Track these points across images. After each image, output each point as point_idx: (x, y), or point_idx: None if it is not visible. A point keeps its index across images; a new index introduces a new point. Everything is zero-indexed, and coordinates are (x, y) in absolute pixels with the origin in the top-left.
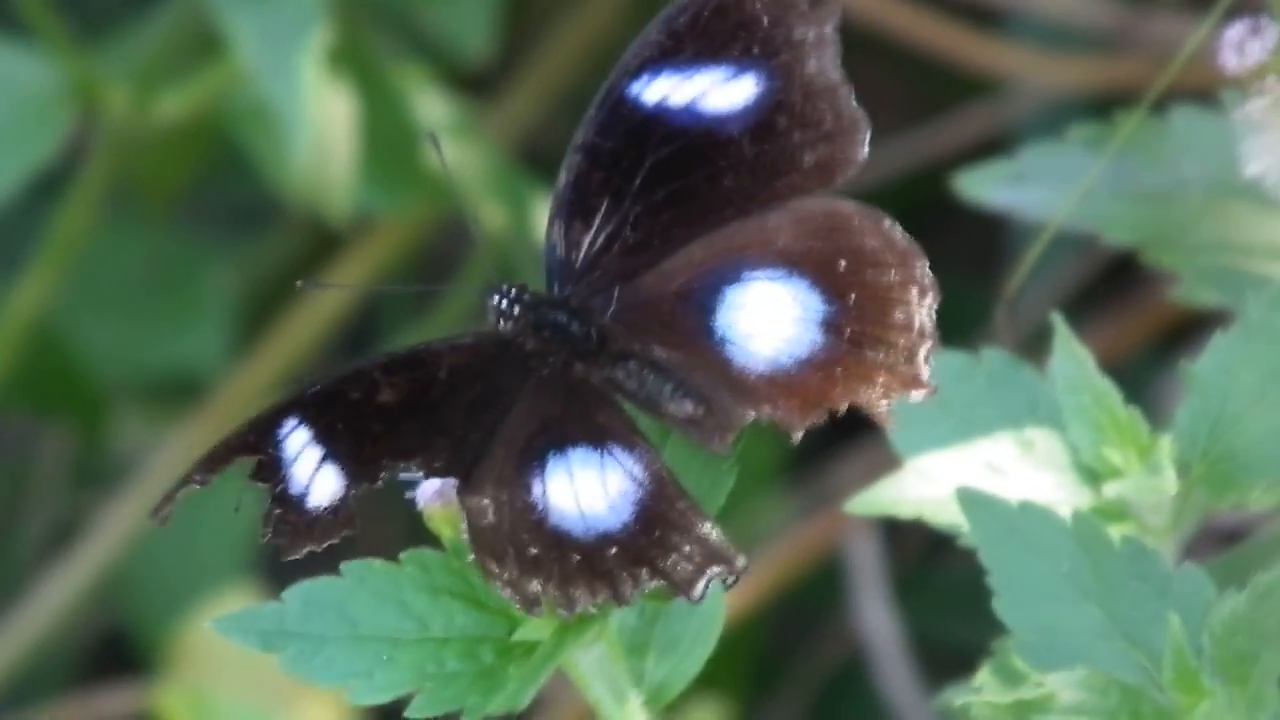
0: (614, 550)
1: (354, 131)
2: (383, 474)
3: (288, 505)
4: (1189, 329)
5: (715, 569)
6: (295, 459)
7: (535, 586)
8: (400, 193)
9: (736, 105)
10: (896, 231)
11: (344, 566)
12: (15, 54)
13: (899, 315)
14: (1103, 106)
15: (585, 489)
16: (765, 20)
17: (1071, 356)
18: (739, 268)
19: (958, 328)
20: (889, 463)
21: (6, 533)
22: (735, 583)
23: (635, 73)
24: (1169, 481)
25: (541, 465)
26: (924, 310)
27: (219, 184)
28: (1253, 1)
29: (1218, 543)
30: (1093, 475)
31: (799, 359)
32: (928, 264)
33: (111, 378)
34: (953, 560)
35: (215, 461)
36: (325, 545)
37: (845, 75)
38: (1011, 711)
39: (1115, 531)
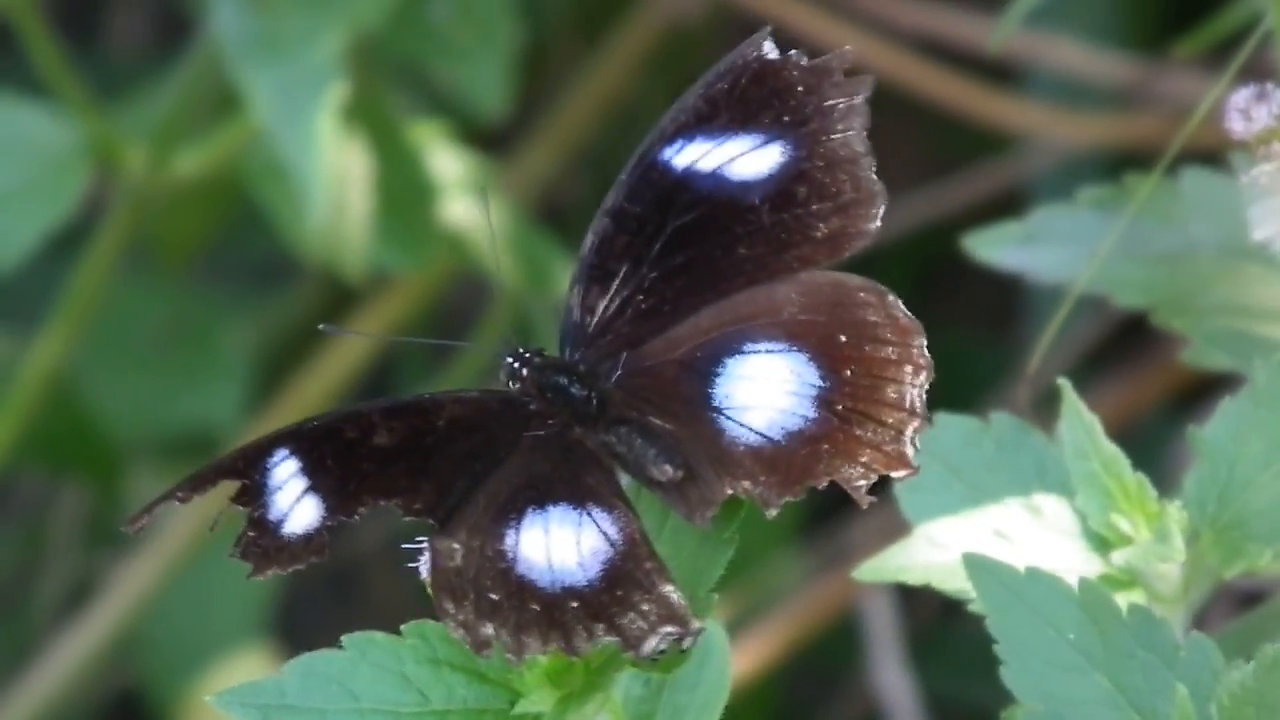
0: (575, 604)
1: (370, 188)
2: (361, 510)
3: (263, 530)
4: (1206, 388)
5: (669, 629)
6: (279, 488)
7: (489, 630)
8: (416, 249)
9: (761, 173)
10: (899, 308)
11: (345, 639)
12: (33, 113)
13: (892, 393)
14: (1118, 162)
15: (559, 545)
16: (800, 88)
17: (1079, 422)
18: (742, 339)
19: (972, 384)
20: (904, 521)
21: (21, 591)
22: (689, 646)
23: (670, 138)
24: (1177, 549)
25: (519, 518)
26: (916, 389)
27: (236, 241)
28: (1269, 61)
29: (1234, 605)
30: (1101, 542)
31: (789, 432)
32: (925, 342)
33: (128, 435)
34: (969, 621)
35: (200, 481)
36: (290, 569)
37: (869, 147)
38: None
39: (1123, 600)
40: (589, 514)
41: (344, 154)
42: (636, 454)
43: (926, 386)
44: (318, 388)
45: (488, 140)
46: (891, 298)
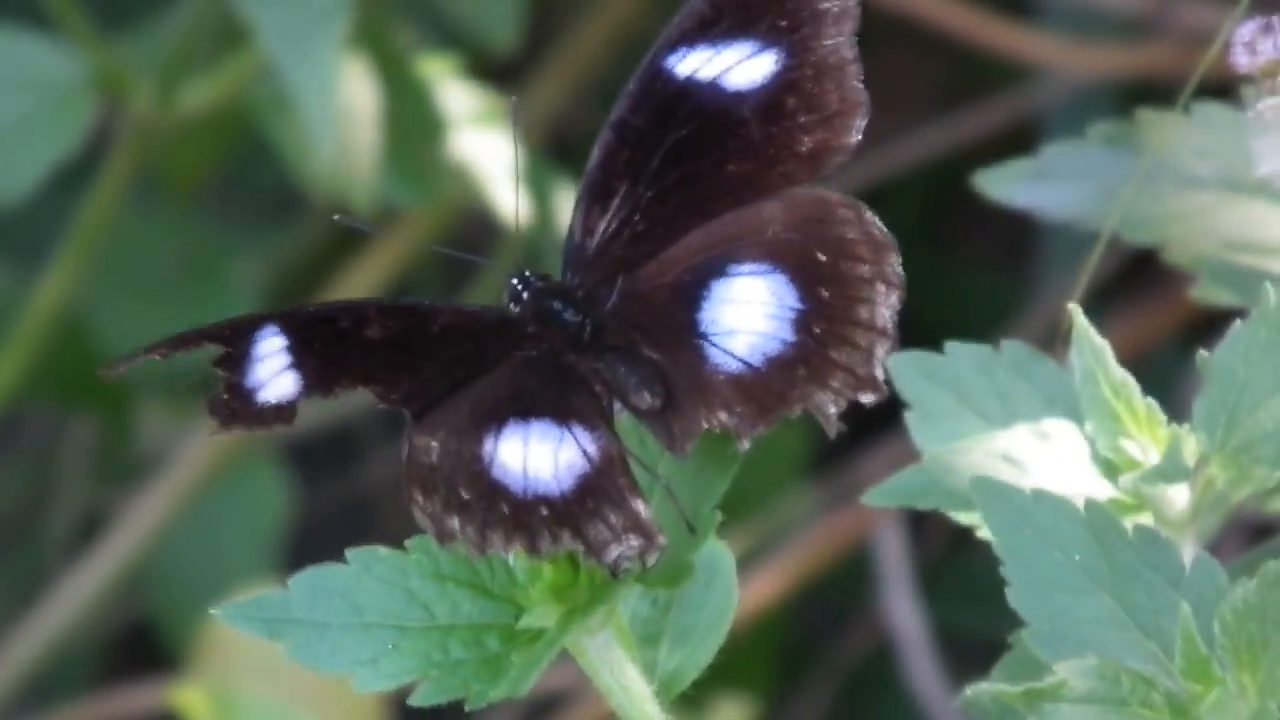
0: (545, 511)
1: (378, 122)
2: (337, 391)
3: (237, 394)
4: (1217, 322)
5: (634, 540)
6: (261, 360)
7: (454, 524)
8: (424, 184)
9: (754, 82)
10: (875, 224)
11: (350, 553)
12: (39, 46)
13: (864, 313)
14: (1132, 92)
15: (536, 456)
16: None
17: (1089, 348)
18: (726, 261)
19: (985, 317)
20: (914, 456)
21: (31, 526)
22: (650, 560)
23: (674, 45)
24: (1185, 472)
25: (500, 426)
26: (888, 309)
27: (244, 174)
28: None
29: (1246, 540)
30: (1110, 467)
31: (768, 357)
32: (899, 259)
33: (137, 369)
34: (978, 552)
35: (184, 342)
36: (255, 430)
37: (858, 54)
38: (1023, 701)
39: (1130, 522)
40: (570, 431)
41: (352, 87)
42: (620, 381)
43: (898, 306)
44: None
45: (497, 74)
46: (868, 213)
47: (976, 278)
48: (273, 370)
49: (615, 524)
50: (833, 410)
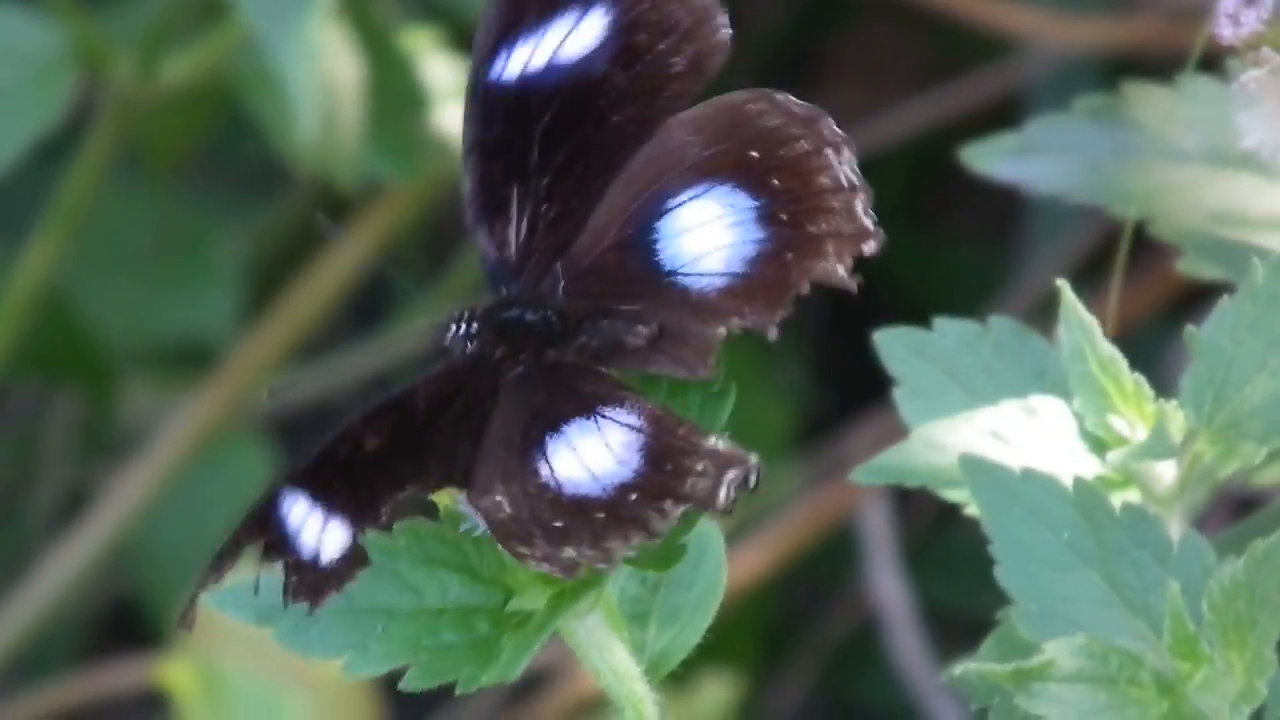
0: (634, 496)
1: (361, 96)
2: (385, 510)
3: (303, 570)
4: (1204, 296)
5: (731, 473)
6: (300, 528)
7: (570, 553)
8: (408, 158)
9: (595, 41)
10: (792, 102)
11: None
12: (18, 18)
13: (825, 179)
14: (1117, 65)
15: (590, 456)
16: None
17: (1077, 323)
18: (661, 199)
19: (971, 292)
20: (900, 432)
21: (15, 502)
22: (758, 482)
23: (491, 55)
24: (1173, 447)
25: (542, 449)
26: (846, 165)
27: (226, 148)
28: None
29: (1232, 515)
30: (1098, 443)
31: (749, 259)
32: (832, 121)
33: (120, 345)
34: (965, 528)
35: (226, 558)
36: (344, 589)
37: None
38: (1011, 679)
39: (1118, 499)
40: (603, 416)
41: (334, 61)
42: (609, 337)
43: (855, 160)
44: (310, 296)
45: None
46: (780, 96)
47: (962, 252)
48: (316, 529)
49: (704, 469)
50: (841, 273)
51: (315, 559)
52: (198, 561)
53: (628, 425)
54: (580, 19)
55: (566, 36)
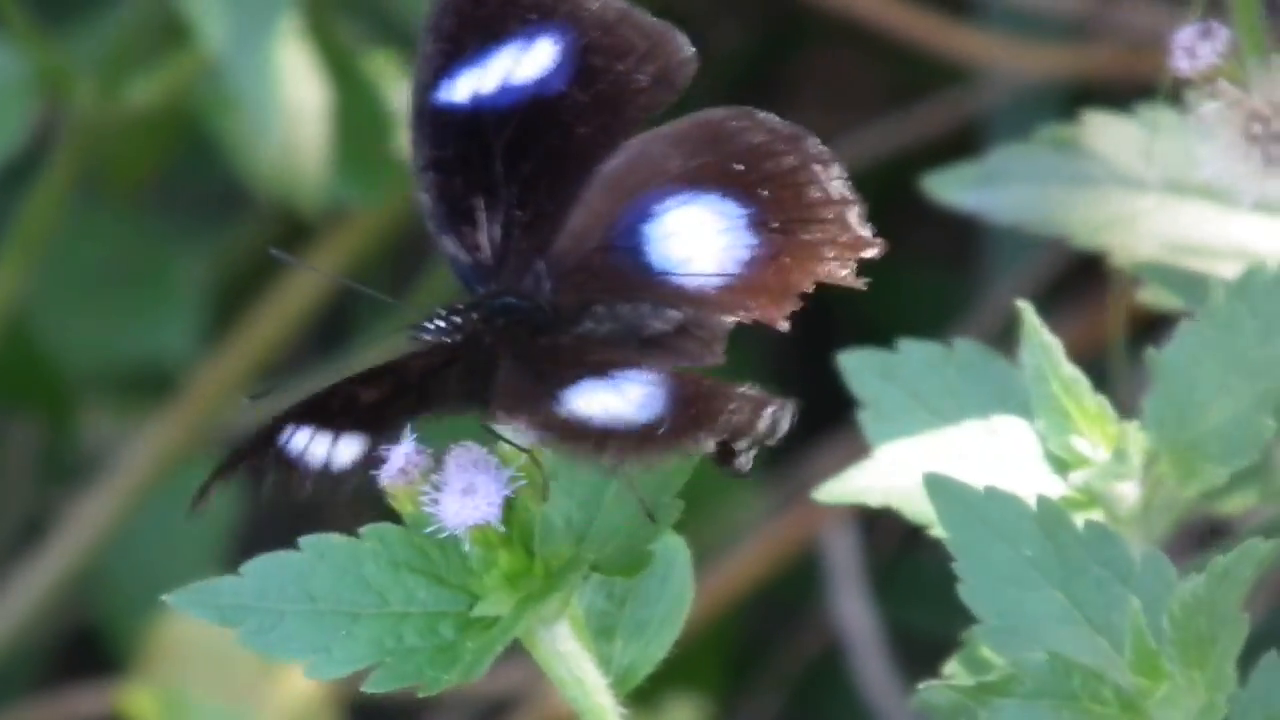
0: (667, 429)
1: (325, 120)
2: (400, 429)
3: (303, 475)
4: (1164, 322)
5: (767, 410)
6: (306, 446)
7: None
8: (373, 182)
9: (550, 64)
10: (774, 120)
11: (303, 541)
12: None
13: (814, 193)
14: (1076, 94)
15: (620, 400)
16: None
17: (1039, 345)
18: (646, 205)
19: (932, 317)
20: (865, 455)
21: None
22: (792, 419)
23: (434, 84)
24: (1134, 468)
25: (572, 392)
26: (835, 180)
27: (189, 173)
28: None
29: (1198, 544)
30: (1061, 464)
31: (745, 261)
32: (818, 139)
33: (80, 370)
34: (929, 552)
35: (225, 473)
36: (339, 491)
37: None
38: (974, 695)
39: (1080, 518)
40: (618, 376)
41: (298, 84)
42: (628, 320)
43: (845, 174)
44: (272, 320)
45: None
46: (761, 114)
47: (922, 276)
48: (324, 446)
49: (736, 409)
50: (844, 273)
51: (327, 464)
52: (159, 589)
53: (648, 381)
54: (526, 48)
55: (516, 64)
